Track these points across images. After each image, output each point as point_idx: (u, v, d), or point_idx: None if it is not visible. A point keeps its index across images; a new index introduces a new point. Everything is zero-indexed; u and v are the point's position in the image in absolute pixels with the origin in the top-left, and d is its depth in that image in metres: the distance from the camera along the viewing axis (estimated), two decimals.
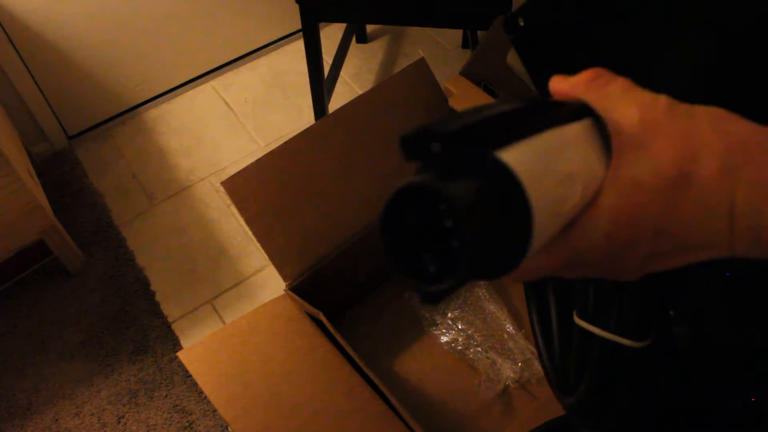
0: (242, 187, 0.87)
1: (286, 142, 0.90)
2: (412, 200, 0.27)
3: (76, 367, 1.41)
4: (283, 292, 0.92)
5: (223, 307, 1.51)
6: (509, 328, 1.03)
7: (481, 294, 1.07)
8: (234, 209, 1.65)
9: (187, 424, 1.33)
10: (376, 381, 0.80)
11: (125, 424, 1.34)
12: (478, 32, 1.82)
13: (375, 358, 1.02)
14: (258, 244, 0.92)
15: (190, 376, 1.03)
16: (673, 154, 0.29)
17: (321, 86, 1.64)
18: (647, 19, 0.44)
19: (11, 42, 1.54)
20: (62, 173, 1.75)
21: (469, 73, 1.07)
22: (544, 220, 0.28)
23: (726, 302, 0.43)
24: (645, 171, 0.29)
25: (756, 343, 0.42)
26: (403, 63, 2.00)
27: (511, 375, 0.99)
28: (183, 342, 1.45)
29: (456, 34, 2.05)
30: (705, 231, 0.30)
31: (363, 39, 2.07)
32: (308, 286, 0.92)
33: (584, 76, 0.33)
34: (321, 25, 1.53)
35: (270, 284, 1.54)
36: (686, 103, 0.31)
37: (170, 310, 1.50)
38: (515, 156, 0.27)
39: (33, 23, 1.56)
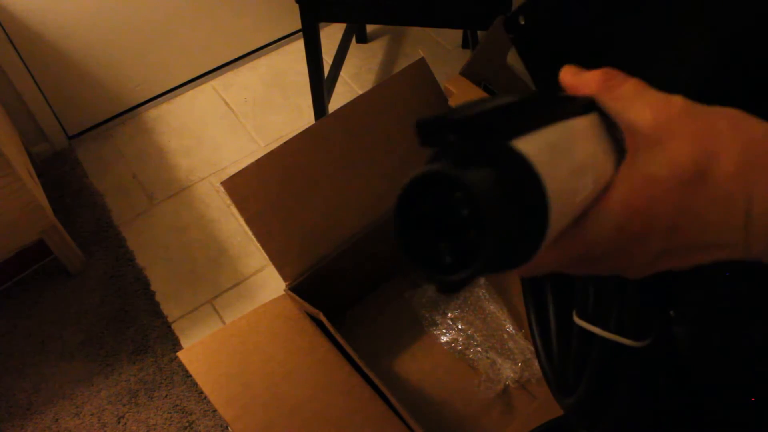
0: (242, 187, 0.87)
1: (286, 142, 0.90)
2: (428, 189, 0.26)
3: (76, 367, 1.41)
4: (283, 292, 0.92)
5: (223, 307, 1.51)
6: (509, 328, 1.03)
7: (481, 294, 1.07)
8: (234, 209, 1.65)
9: (187, 424, 1.33)
10: (376, 381, 0.80)
11: (125, 424, 1.34)
12: (478, 32, 1.82)
13: (375, 358, 1.02)
14: (258, 244, 0.92)
15: (190, 376, 1.03)
16: (690, 151, 0.29)
17: (321, 86, 1.64)
18: (647, 19, 0.44)
19: (11, 42, 1.54)
20: (62, 173, 1.75)
21: (469, 73, 1.07)
22: (558, 211, 0.27)
23: (726, 302, 0.43)
24: (661, 168, 0.29)
25: (756, 344, 0.42)
26: (403, 63, 2.00)
27: (511, 375, 0.99)
28: (183, 342, 1.45)
29: (456, 34, 2.05)
30: (719, 230, 0.30)
31: (363, 39, 2.07)
32: (308, 286, 0.92)
33: (596, 75, 0.33)
34: (321, 25, 1.53)
35: (270, 284, 1.54)
36: (702, 104, 0.31)
37: (170, 310, 1.50)
38: (528, 146, 0.27)
39: (33, 23, 1.56)
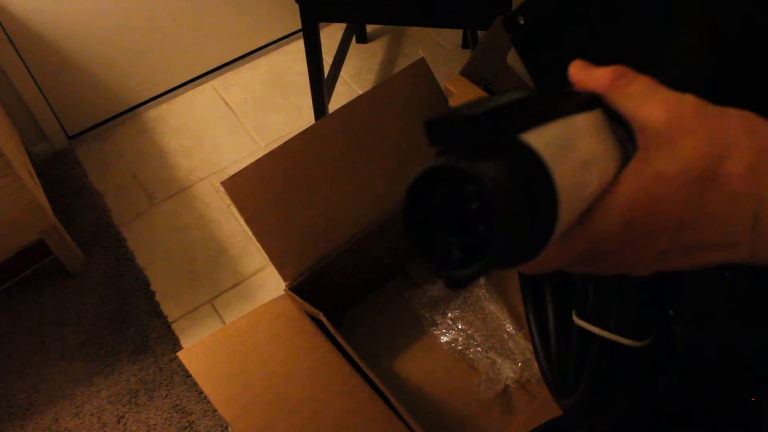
0: (242, 187, 0.87)
1: (286, 142, 0.90)
2: (437, 183, 0.26)
3: (76, 367, 1.41)
4: (283, 292, 0.92)
5: (223, 307, 1.51)
6: (509, 328, 1.03)
7: (481, 294, 1.07)
8: (234, 209, 1.65)
9: (187, 424, 1.33)
10: (376, 381, 0.80)
11: (125, 424, 1.34)
12: (478, 32, 1.82)
13: (375, 358, 1.02)
14: (258, 244, 0.92)
15: (190, 376, 1.03)
16: (702, 150, 0.29)
17: (321, 86, 1.64)
18: (647, 19, 0.44)
19: (11, 42, 1.54)
20: (62, 173, 1.75)
21: (469, 73, 1.07)
22: (566, 205, 0.27)
23: (726, 302, 0.43)
24: (672, 165, 0.29)
25: (756, 344, 0.42)
26: (403, 63, 2.00)
27: (511, 375, 0.99)
28: (183, 342, 1.45)
29: (456, 34, 2.05)
30: (727, 230, 0.30)
31: (363, 39, 2.07)
32: (308, 286, 0.92)
33: (607, 72, 0.33)
34: (321, 25, 1.53)
35: (270, 284, 1.54)
36: (715, 105, 0.31)
37: (170, 310, 1.50)
38: (536, 140, 0.27)
39: (33, 23, 1.56)
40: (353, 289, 1.08)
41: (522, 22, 0.44)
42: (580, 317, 0.45)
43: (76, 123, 1.80)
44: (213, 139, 1.83)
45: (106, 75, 1.77)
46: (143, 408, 1.35)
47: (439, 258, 0.27)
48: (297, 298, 0.89)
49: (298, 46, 2.03)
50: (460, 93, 1.04)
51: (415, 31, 2.11)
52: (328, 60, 1.88)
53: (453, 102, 1.04)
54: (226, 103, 1.91)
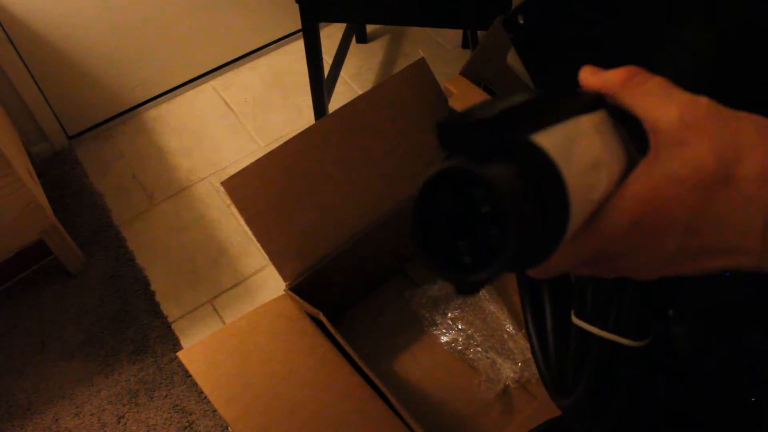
0: (242, 187, 0.87)
1: (286, 142, 0.90)
2: (446, 186, 0.26)
3: (76, 367, 1.41)
4: (283, 292, 0.92)
5: (223, 307, 1.51)
6: (509, 328, 1.03)
7: (481, 294, 1.07)
8: (234, 209, 1.65)
9: (187, 424, 1.33)
10: (376, 381, 0.80)
11: (125, 424, 1.34)
12: (478, 32, 1.82)
13: (375, 358, 1.02)
14: (258, 244, 0.92)
15: (190, 376, 1.03)
16: (715, 152, 0.29)
17: (321, 86, 1.64)
18: (646, 19, 0.44)
19: (11, 42, 1.54)
20: (62, 173, 1.75)
21: (469, 73, 1.07)
22: (577, 208, 0.27)
23: (726, 302, 0.43)
24: (684, 167, 0.29)
25: (755, 344, 0.42)
26: (403, 63, 2.00)
27: (511, 375, 0.99)
28: (183, 342, 1.45)
29: (456, 34, 2.05)
30: (738, 234, 0.29)
31: (363, 39, 2.07)
32: (308, 286, 0.92)
33: (619, 73, 0.33)
34: (321, 25, 1.53)
35: (270, 284, 1.54)
36: (729, 108, 0.31)
37: (170, 310, 1.50)
38: (545, 141, 0.27)
39: (33, 23, 1.56)
40: (353, 289, 1.08)
41: (521, 22, 0.44)
42: (579, 317, 0.45)
43: (76, 123, 1.80)
44: (213, 139, 1.83)
45: (106, 75, 1.77)
46: (143, 408, 1.35)
47: (448, 263, 0.26)
48: (297, 298, 0.89)
49: (298, 46, 2.03)
50: (460, 93, 1.04)
51: (415, 31, 2.11)
52: (328, 60, 1.88)
53: (453, 102, 1.03)
54: (226, 103, 1.91)
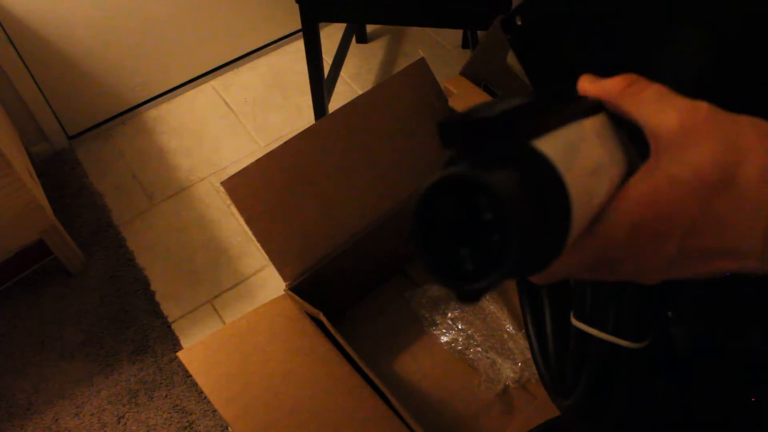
0: (242, 187, 0.87)
1: (286, 142, 0.90)
2: (448, 193, 0.25)
3: (76, 367, 1.41)
4: (283, 292, 0.92)
5: (223, 307, 1.51)
6: (509, 328, 1.03)
7: None
8: (234, 209, 1.65)
9: (187, 424, 1.33)
10: (376, 381, 0.80)
11: (125, 424, 1.34)
12: (478, 32, 1.82)
13: (375, 358, 1.02)
14: (258, 244, 0.92)
15: (190, 376, 1.03)
16: (715, 156, 0.29)
17: (321, 86, 1.64)
18: (645, 19, 0.44)
19: (11, 42, 1.54)
20: (62, 173, 1.75)
21: (469, 73, 1.07)
22: (578, 213, 0.27)
23: (725, 303, 0.43)
24: (684, 170, 0.29)
25: (755, 344, 0.42)
26: (403, 63, 2.00)
27: (511, 375, 0.99)
28: (183, 342, 1.45)
29: (456, 34, 2.05)
30: (739, 237, 0.29)
31: (363, 39, 2.07)
32: (308, 286, 0.92)
33: (617, 81, 0.33)
34: (321, 25, 1.53)
35: (270, 284, 1.54)
36: (728, 111, 0.31)
37: (170, 310, 1.50)
38: (547, 147, 0.26)
39: (33, 23, 1.56)
40: (353, 289, 1.08)
41: (519, 23, 0.44)
42: (578, 319, 0.45)
43: (76, 123, 1.80)
44: (213, 139, 1.83)
45: (106, 75, 1.77)
46: (143, 408, 1.35)
47: (449, 271, 0.26)
48: (297, 298, 0.89)
49: (298, 46, 2.03)
50: (460, 93, 1.04)
51: (415, 31, 2.11)
52: (328, 60, 1.88)
53: (453, 102, 1.03)
54: (226, 103, 1.91)
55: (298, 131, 0.92)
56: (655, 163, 0.30)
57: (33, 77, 1.63)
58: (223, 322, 1.49)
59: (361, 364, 0.82)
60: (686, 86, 0.32)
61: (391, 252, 1.05)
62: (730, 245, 0.30)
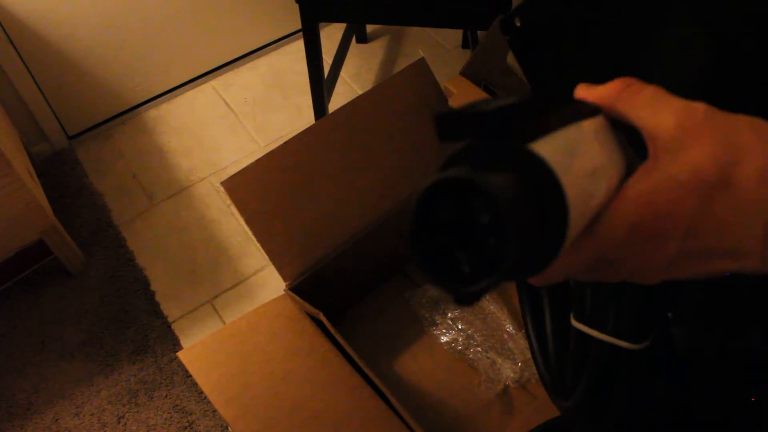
0: (242, 187, 0.87)
1: (286, 142, 0.90)
2: (445, 196, 0.25)
3: (76, 367, 1.41)
4: (283, 292, 0.92)
5: (223, 307, 1.51)
6: (509, 328, 1.03)
7: None
8: (234, 209, 1.65)
9: (187, 424, 1.33)
10: (376, 381, 0.80)
11: (125, 424, 1.34)
12: (478, 32, 1.82)
13: (375, 358, 1.02)
14: (258, 244, 0.92)
15: (190, 376, 1.03)
16: (713, 157, 0.29)
17: (321, 86, 1.64)
18: (644, 20, 0.44)
19: (11, 42, 1.54)
20: (62, 173, 1.75)
21: (469, 73, 1.07)
22: (576, 215, 0.27)
23: (725, 303, 0.43)
24: (683, 171, 0.29)
25: (756, 345, 0.42)
26: (403, 63, 2.00)
27: (511, 375, 0.99)
28: (183, 342, 1.45)
29: (456, 34, 2.05)
30: (738, 237, 0.29)
31: (363, 39, 2.07)
32: (308, 286, 0.92)
33: (614, 85, 0.33)
34: (321, 25, 1.53)
35: (270, 284, 1.54)
36: (725, 111, 0.31)
37: (170, 310, 1.50)
38: (544, 149, 0.26)
39: (33, 23, 1.56)
40: (353, 289, 1.08)
41: (519, 24, 0.44)
42: (578, 320, 0.45)
43: (76, 123, 1.80)
44: (213, 139, 1.83)
45: (106, 75, 1.77)
46: (143, 408, 1.35)
47: (447, 273, 0.26)
48: (297, 298, 0.89)
49: (298, 46, 2.03)
50: (460, 93, 1.04)
51: (415, 31, 2.11)
52: (328, 60, 1.88)
53: (453, 102, 1.04)
54: (226, 103, 1.91)
55: (298, 131, 0.92)
56: (653, 164, 0.30)
57: (33, 77, 1.63)
58: (223, 322, 1.49)
59: (361, 364, 0.82)
60: (685, 87, 0.32)
61: (391, 252, 1.05)
62: (729, 245, 0.30)
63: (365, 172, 0.95)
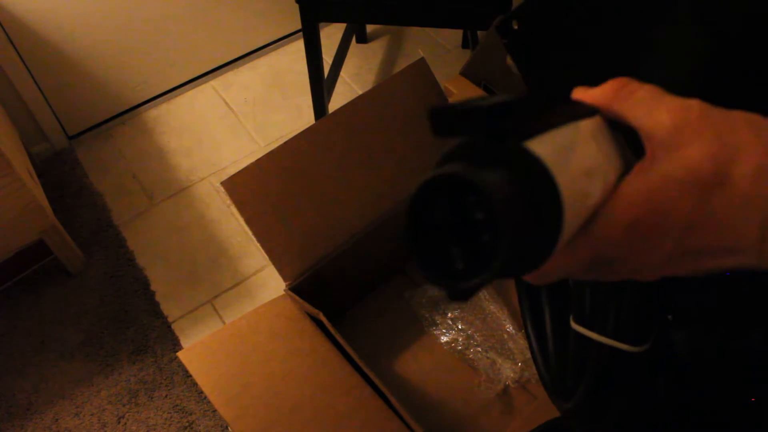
0: (242, 187, 0.87)
1: (286, 142, 0.90)
2: (440, 193, 0.25)
3: (76, 367, 1.41)
4: (283, 292, 0.92)
5: (223, 307, 1.51)
6: (509, 328, 1.03)
7: (481, 294, 1.07)
8: (234, 209, 1.65)
9: (187, 424, 1.33)
10: (376, 381, 0.80)
11: (125, 424, 1.34)
12: (478, 32, 1.82)
13: (375, 358, 1.02)
14: (258, 244, 0.92)
15: (190, 376, 1.03)
16: (709, 154, 0.29)
17: (321, 86, 1.64)
18: (644, 21, 0.44)
19: (11, 42, 1.54)
20: (62, 173, 1.75)
21: (469, 73, 1.07)
22: (571, 214, 0.27)
23: (725, 305, 0.43)
24: (679, 169, 0.29)
25: (756, 345, 0.42)
26: (403, 63, 2.00)
27: (511, 375, 0.99)
28: (183, 342, 1.45)
29: (456, 34, 2.05)
30: (736, 233, 0.29)
31: (363, 39, 2.07)
32: (308, 286, 0.92)
33: (609, 85, 0.33)
34: (321, 25, 1.53)
35: (270, 284, 1.54)
36: (721, 108, 0.31)
37: (170, 310, 1.50)
38: (540, 148, 0.27)
39: (33, 23, 1.56)
40: (353, 289, 1.08)
41: (516, 27, 0.44)
42: (577, 322, 0.45)
43: (76, 123, 1.80)
44: (213, 139, 1.83)
45: (106, 75, 1.77)
46: (143, 408, 1.35)
47: (441, 269, 0.26)
48: (297, 298, 0.89)
49: (298, 46, 2.03)
50: (460, 93, 1.04)
51: (415, 31, 2.11)
52: (328, 60, 1.88)
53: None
54: (226, 103, 1.91)
55: (298, 131, 0.92)
56: (649, 163, 0.30)
57: (33, 77, 1.63)
58: (223, 322, 1.49)
59: (361, 364, 0.82)
60: (684, 86, 0.32)
61: (391, 252, 1.05)
62: (726, 242, 0.30)
63: (365, 172, 0.95)
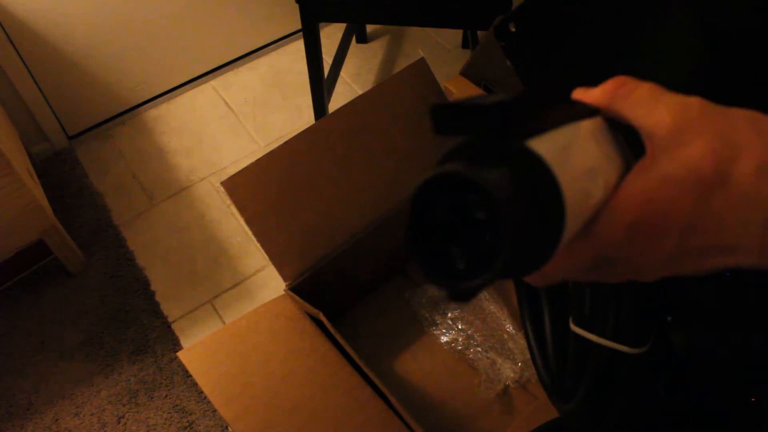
0: (242, 187, 0.87)
1: (286, 142, 0.90)
2: (441, 192, 0.25)
3: (76, 367, 1.41)
4: (283, 292, 0.92)
5: (223, 307, 1.51)
6: (509, 328, 1.03)
7: (481, 294, 1.07)
8: (234, 209, 1.65)
9: (187, 424, 1.33)
10: (376, 381, 0.80)
11: (125, 424, 1.34)
12: (478, 32, 1.82)
13: (375, 358, 1.02)
14: (258, 244, 0.92)
15: (190, 376, 1.03)
16: (710, 153, 0.29)
17: (321, 86, 1.64)
18: (644, 21, 0.44)
19: (11, 42, 1.54)
20: (62, 173, 1.75)
21: (469, 73, 1.07)
22: (572, 214, 0.27)
23: (725, 305, 0.43)
24: (680, 168, 0.29)
25: (756, 345, 0.42)
26: (403, 63, 2.00)
27: (511, 375, 0.99)
28: (183, 342, 1.45)
29: (456, 34, 2.05)
30: (737, 232, 0.29)
31: (363, 39, 2.07)
32: (308, 286, 0.92)
33: (608, 85, 0.33)
34: (321, 25, 1.53)
35: (270, 284, 1.54)
36: (721, 105, 0.31)
37: (170, 310, 1.50)
38: (542, 147, 0.26)
39: (33, 23, 1.56)
40: (353, 289, 1.08)
41: (513, 30, 0.44)
42: (577, 324, 0.45)
43: (76, 123, 1.80)
44: (213, 139, 1.83)
45: (106, 75, 1.77)
46: (143, 408, 1.35)
47: (442, 270, 0.26)
48: (297, 298, 0.89)
49: (298, 46, 2.03)
50: (460, 93, 1.04)
51: (415, 31, 2.11)
52: (328, 60, 1.87)
53: None
54: (226, 103, 1.91)
55: (298, 131, 0.92)
56: (650, 162, 0.30)
57: (33, 77, 1.63)
58: (223, 322, 1.49)
59: (361, 364, 0.82)
60: (684, 85, 0.32)
61: (391, 252, 1.05)
62: (727, 241, 0.30)
63: (365, 172, 0.95)
